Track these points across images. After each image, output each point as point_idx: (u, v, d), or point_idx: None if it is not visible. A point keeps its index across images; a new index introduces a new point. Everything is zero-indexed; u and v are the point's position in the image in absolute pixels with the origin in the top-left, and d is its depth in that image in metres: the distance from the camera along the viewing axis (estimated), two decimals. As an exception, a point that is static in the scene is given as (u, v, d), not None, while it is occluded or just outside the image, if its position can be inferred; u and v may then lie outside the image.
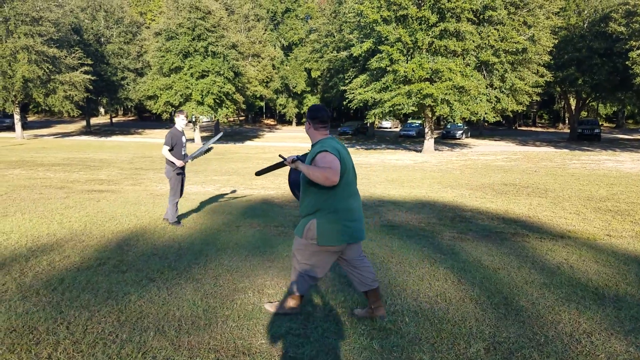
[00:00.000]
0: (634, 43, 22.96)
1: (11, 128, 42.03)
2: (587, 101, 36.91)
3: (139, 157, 20.71)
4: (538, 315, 3.56)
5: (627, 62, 23.68)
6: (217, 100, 31.04)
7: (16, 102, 32.75)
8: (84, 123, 48.96)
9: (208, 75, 30.23)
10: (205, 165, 17.68)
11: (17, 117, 34.01)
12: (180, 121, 6.67)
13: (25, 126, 37.65)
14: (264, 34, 42.79)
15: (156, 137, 38.02)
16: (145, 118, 63.89)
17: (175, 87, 30.09)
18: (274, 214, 7.81)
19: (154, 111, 33.97)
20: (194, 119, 32.66)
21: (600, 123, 42.53)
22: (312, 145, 3.42)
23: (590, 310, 3.66)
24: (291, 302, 3.52)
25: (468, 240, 6.06)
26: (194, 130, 33.61)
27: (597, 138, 34.06)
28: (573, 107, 37.23)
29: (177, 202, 6.61)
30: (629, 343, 3.11)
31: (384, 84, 23.52)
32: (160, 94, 31.01)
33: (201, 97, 30.18)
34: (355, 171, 3.47)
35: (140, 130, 46.18)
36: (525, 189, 11.55)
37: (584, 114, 48.84)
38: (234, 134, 44.84)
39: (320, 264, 3.39)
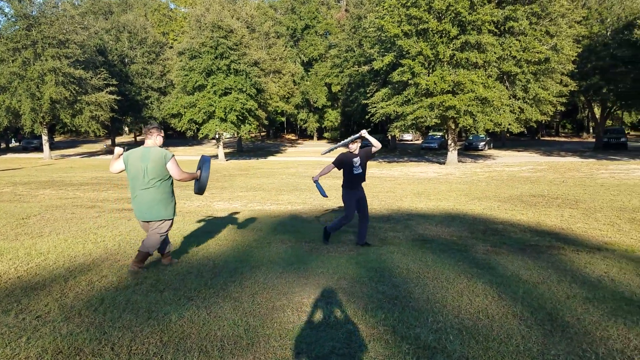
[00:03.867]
0: (660, 49, 22.56)
1: (39, 149, 43.13)
2: (612, 109, 36.26)
3: (164, 174, 20.96)
4: (585, 332, 3.46)
5: (653, 69, 23.26)
6: (240, 117, 31.39)
7: (44, 123, 33.60)
8: (109, 142, 49.94)
9: (231, 93, 30.63)
10: (230, 181, 17.81)
11: (45, 137, 34.90)
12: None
13: (53, 146, 38.57)
14: (284, 50, 43.25)
15: (180, 155, 38.47)
16: (168, 136, 64.84)
17: (199, 105, 30.54)
18: (304, 229, 7.81)
19: (178, 129, 34.49)
20: (217, 136, 33.04)
21: (626, 131, 41.71)
22: None
23: (639, 325, 3.55)
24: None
25: (503, 254, 5.96)
26: (218, 147, 33.97)
27: (624, 146, 33.41)
28: (598, 116, 36.64)
29: (343, 222, 6.50)
30: (686, 361, 3.00)
31: (406, 97, 23.52)
32: (185, 112, 31.50)
33: (224, 114, 30.55)
34: (149, 171, 4.83)
35: (163, 148, 46.84)
36: (555, 200, 11.36)
37: (609, 122, 47.94)
38: (256, 150, 45.20)
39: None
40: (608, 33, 29.47)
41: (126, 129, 62.84)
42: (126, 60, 42.36)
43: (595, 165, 22.33)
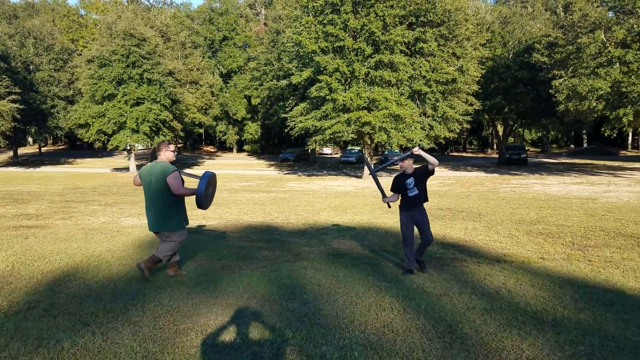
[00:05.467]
0: (556, 72, 24.41)
1: None
2: (514, 127, 38.87)
3: (69, 188, 19.76)
4: (482, 343, 3.63)
5: (550, 90, 25.10)
6: (154, 128, 30.33)
7: None
8: (10, 153, 46.38)
9: (144, 103, 29.53)
10: (140, 196, 17.06)
11: None
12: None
13: (-57, 157, 35.16)
14: (202, 61, 42.49)
15: (88, 167, 36.54)
16: (77, 147, 61.39)
17: (109, 115, 29.15)
18: (217, 246, 7.63)
19: (85, 140, 32.73)
20: (128, 147, 31.70)
21: (526, 148, 44.84)
22: None
23: (531, 335, 3.77)
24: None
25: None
26: (129, 158, 32.57)
27: (524, 162, 35.84)
28: (500, 133, 39.13)
29: (406, 250, 5.92)
30: (569, 367, 3.22)
31: (324, 112, 23.86)
32: (93, 122, 29.95)
33: (136, 125, 29.38)
34: (152, 185, 5.15)
35: (71, 160, 44.24)
36: (460, 213, 11.92)
37: (511, 139, 51.39)
38: (172, 162, 43.75)
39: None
40: (510, 56, 31.65)
41: (30, 139, 58.69)
42: (31, 67, 39.66)
43: (498, 179, 23.80)
